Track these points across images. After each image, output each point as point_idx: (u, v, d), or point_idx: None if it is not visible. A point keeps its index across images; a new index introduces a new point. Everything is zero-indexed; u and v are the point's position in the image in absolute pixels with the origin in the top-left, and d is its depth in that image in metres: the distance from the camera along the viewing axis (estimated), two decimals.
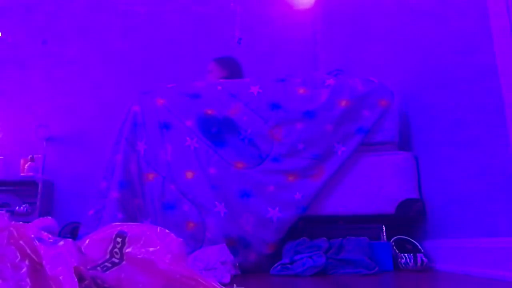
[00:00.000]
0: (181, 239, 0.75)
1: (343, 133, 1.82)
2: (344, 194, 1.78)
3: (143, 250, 0.70)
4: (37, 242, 0.67)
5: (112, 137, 1.94)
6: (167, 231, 0.75)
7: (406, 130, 1.92)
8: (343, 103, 1.84)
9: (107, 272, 0.70)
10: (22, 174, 3.32)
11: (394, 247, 1.62)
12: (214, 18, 3.65)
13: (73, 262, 0.65)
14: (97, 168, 2.13)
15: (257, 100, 1.89)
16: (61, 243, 0.69)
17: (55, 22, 3.73)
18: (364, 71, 2.38)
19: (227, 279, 1.31)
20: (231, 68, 2.58)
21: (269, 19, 3.63)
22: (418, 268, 1.50)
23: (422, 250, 1.57)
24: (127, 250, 0.71)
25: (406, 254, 1.54)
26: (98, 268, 0.70)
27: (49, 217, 1.87)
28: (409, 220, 1.77)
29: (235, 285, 1.15)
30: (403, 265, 1.53)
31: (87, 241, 0.75)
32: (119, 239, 0.73)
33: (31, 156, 3.34)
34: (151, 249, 0.70)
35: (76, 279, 0.61)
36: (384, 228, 1.75)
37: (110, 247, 0.73)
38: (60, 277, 0.61)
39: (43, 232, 0.71)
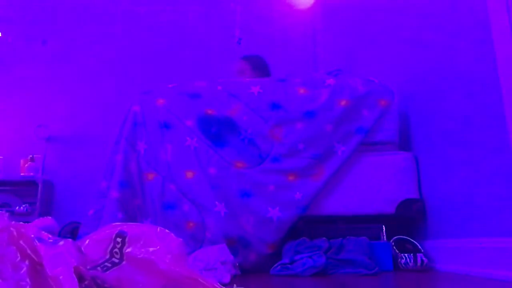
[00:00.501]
0: (181, 239, 0.75)
1: (343, 133, 1.82)
2: (344, 194, 1.78)
3: (143, 250, 0.70)
4: (37, 242, 0.67)
5: (112, 137, 1.94)
6: (167, 231, 0.75)
7: (406, 130, 1.92)
8: (343, 102, 1.84)
9: (107, 272, 0.70)
10: (22, 174, 3.32)
11: (394, 247, 1.62)
12: (214, 18, 3.65)
13: (73, 262, 0.64)
14: (97, 168, 2.13)
15: (258, 100, 1.89)
16: (61, 243, 0.69)
17: (55, 22, 3.73)
18: (364, 71, 2.38)
19: (227, 279, 1.31)
20: (263, 68, 2.47)
21: (269, 19, 3.63)
22: (418, 268, 1.50)
23: (422, 250, 1.57)
24: (127, 250, 0.71)
25: (406, 254, 1.54)
26: (98, 268, 0.70)
27: (49, 217, 1.87)
28: (409, 220, 1.77)
29: (235, 285, 1.15)
30: (403, 265, 1.53)
31: (87, 241, 0.75)
32: (119, 239, 0.73)
33: (31, 156, 3.34)
34: (151, 249, 0.70)
35: (76, 279, 0.61)
36: (384, 228, 1.75)
37: (110, 247, 0.73)
38: (60, 277, 0.61)
39: (43, 232, 0.71)
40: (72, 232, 2.03)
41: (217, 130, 1.86)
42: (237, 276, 1.46)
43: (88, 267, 0.69)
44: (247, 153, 1.81)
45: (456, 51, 1.48)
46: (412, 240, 1.63)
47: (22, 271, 0.65)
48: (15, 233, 0.69)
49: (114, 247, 0.72)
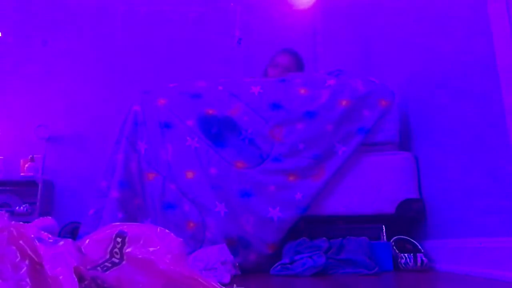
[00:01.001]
0: (181, 239, 0.75)
1: (344, 133, 1.82)
2: (344, 194, 1.78)
3: (143, 250, 0.70)
4: (37, 242, 0.67)
5: (113, 137, 1.94)
6: (167, 231, 0.75)
7: (406, 130, 1.92)
8: (344, 103, 1.84)
9: (107, 272, 0.70)
10: (22, 174, 3.32)
11: (394, 247, 1.62)
12: (214, 18, 3.65)
13: (73, 262, 0.64)
14: (97, 168, 2.13)
15: (258, 100, 1.90)
16: (61, 243, 0.69)
17: (55, 22, 3.73)
18: (365, 71, 2.38)
19: (227, 279, 1.31)
20: (302, 67, 2.37)
21: (269, 19, 3.63)
22: (418, 268, 1.50)
23: (422, 250, 1.57)
24: (127, 250, 0.71)
25: (406, 254, 1.54)
26: (98, 268, 0.70)
27: (49, 217, 1.87)
28: (409, 220, 1.77)
29: (235, 285, 1.15)
30: (403, 265, 1.53)
31: (87, 241, 0.75)
32: (119, 239, 0.73)
33: (31, 156, 3.34)
34: (151, 249, 0.70)
35: (76, 279, 0.61)
36: (384, 228, 1.75)
37: (110, 247, 0.73)
38: (60, 277, 0.61)
39: (43, 232, 0.71)
40: (72, 232, 2.03)
41: (218, 130, 1.85)
42: (237, 276, 1.46)
43: (88, 267, 0.69)
44: (247, 153, 1.81)
45: (456, 51, 1.48)
46: (412, 240, 1.63)
47: (22, 271, 0.65)
48: (15, 233, 0.69)
49: (114, 247, 0.72)
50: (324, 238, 1.65)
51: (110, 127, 2.16)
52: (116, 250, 0.72)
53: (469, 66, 1.39)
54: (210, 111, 1.89)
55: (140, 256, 0.70)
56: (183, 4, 3.72)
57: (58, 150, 3.46)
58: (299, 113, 1.84)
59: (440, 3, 1.62)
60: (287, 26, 3.64)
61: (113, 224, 0.78)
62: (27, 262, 0.66)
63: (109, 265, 0.71)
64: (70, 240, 0.71)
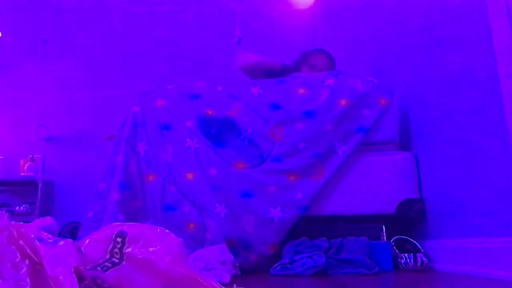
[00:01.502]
0: (181, 239, 0.75)
1: (344, 132, 1.82)
2: (344, 194, 1.78)
3: (143, 250, 0.70)
4: (37, 242, 0.67)
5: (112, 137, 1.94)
6: (167, 231, 0.75)
7: (406, 129, 1.92)
8: (343, 102, 1.84)
9: (107, 272, 0.70)
10: (22, 174, 3.32)
11: (394, 247, 1.62)
12: (214, 18, 3.65)
13: (73, 262, 0.64)
14: (97, 168, 2.13)
15: (258, 100, 1.89)
16: (61, 243, 0.69)
17: (55, 22, 3.73)
18: (364, 71, 2.37)
19: (227, 279, 1.31)
20: (335, 67, 2.34)
21: (269, 19, 3.63)
22: (418, 268, 1.50)
23: (422, 250, 1.57)
24: (127, 250, 0.71)
25: (406, 254, 1.54)
26: (98, 268, 0.70)
27: (49, 217, 1.87)
28: (409, 220, 1.77)
29: (235, 285, 1.15)
30: (403, 265, 1.53)
31: (87, 241, 0.75)
32: (119, 239, 0.73)
33: (31, 156, 3.34)
34: (151, 249, 0.70)
35: (76, 279, 0.61)
36: (384, 228, 1.75)
37: (110, 247, 0.73)
38: (60, 277, 0.61)
39: (43, 232, 0.71)
40: (72, 232, 2.03)
41: (218, 131, 1.85)
42: (237, 276, 1.46)
43: (88, 267, 0.69)
44: (247, 154, 1.81)
45: (457, 51, 1.48)
46: (412, 240, 1.63)
47: (22, 271, 0.65)
48: (15, 233, 0.69)
49: (114, 247, 0.72)
50: (324, 238, 1.65)
51: (110, 128, 2.15)
52: (116, 250, 0.72)
53: (469, 66, 1.39)
54: (210, 112, 1.89)
55: (140, 256, 0.70)
56: (183, 4, 3.72)
57: (58, 150, 3.46)
58: (299, 113, 1.84)
59: (440, 2, 1.62)
60: (287, 26, 3.64)
61: (113, 224, 0.78)
62: (27, 262, 0.66)
63: (109, 265, 0.71)
64: (70, 240, 0.71)
